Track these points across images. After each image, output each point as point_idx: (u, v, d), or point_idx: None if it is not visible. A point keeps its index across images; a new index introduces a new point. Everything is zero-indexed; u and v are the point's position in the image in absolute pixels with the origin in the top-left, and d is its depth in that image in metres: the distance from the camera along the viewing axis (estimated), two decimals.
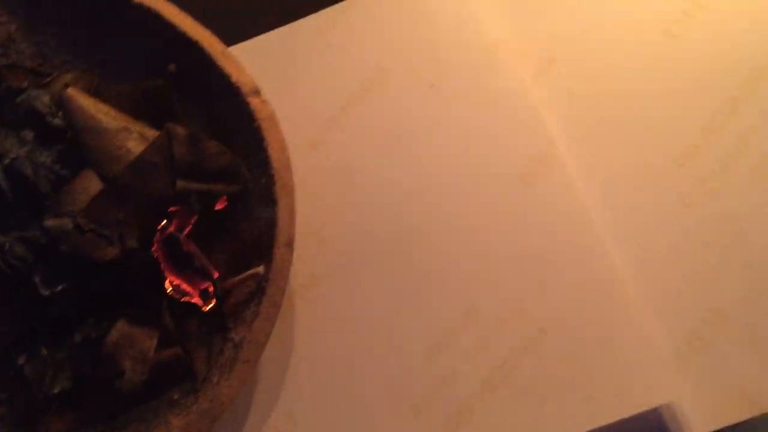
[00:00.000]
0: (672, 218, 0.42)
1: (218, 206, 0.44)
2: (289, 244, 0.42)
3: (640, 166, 0.43)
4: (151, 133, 0.44)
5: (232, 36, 0.51)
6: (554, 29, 0.48)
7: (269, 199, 0.42)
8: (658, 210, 0.42)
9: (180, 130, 0.43)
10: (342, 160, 0.48)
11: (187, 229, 0.44)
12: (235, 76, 0.44)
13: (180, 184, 0.43)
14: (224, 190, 0.44)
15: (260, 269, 0.42)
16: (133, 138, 0.44)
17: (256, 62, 0.50)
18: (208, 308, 0.43)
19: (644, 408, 0.36)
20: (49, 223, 0.41)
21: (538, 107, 0.46)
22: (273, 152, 0.43)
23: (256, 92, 0.44)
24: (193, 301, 0.43)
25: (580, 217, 0.42)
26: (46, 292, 0.40)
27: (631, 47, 0.46)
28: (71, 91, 0.43)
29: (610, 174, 0.44)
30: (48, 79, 0.46)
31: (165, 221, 0.43)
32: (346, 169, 0.47)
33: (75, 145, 0.43)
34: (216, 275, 0.42)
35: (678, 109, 0.44)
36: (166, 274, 0.43)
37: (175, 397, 0.42)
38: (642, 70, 0.46)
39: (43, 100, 0.45)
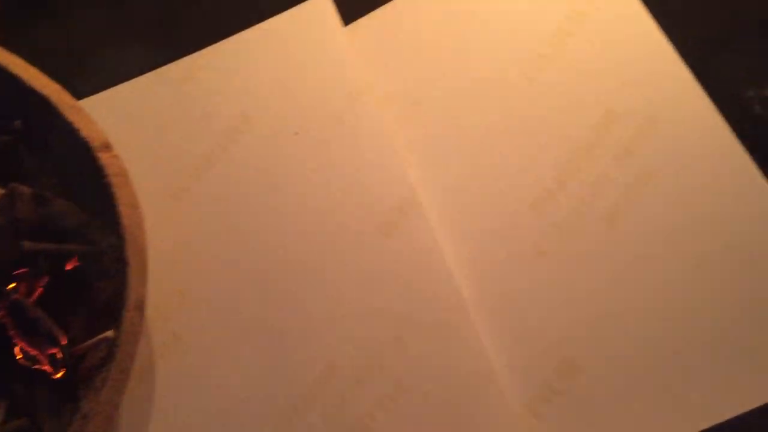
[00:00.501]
0: (527, 266, 0.41)
1: (69, 266, 0.42)
2: (140, 308, 0.40)
3: (497, 212, 0.43)
4: None
5: (88, 87, 0.49)
6: (418, 74, 0.48)
7: (120, 260, 0.41)
8: (514, 257, 0.42)
9: (25, 190, 0.41)
10: (207, 213, 0.46)
11: (37, 292, 0.42)
12: (84, 131, 0.43)
13: (27, 245, 0.41)
14: (74, 250, 0.42)
15: (110, 334, 0.40)
16: None
17: (115, 113, 0.49)
18: (58, 375, 0.41)
19: None
20: None
21: (401, 152, 0.45)
22: (124, 209, 0.42)
23: (107, 147, 0.43)
24: (43, 368, 0.42)
25: (437, 268, 0.41)
26: None
27: (491, 90, 0.46)
28: None
29: (469, 222, 0.43)
30: None
31: (14, 284, 0.42)
32: (211, 222, 0.46)
33: None
34: (64, 341, 0.41)
35: (535, 154, 0.44)
36: (16, 340, 0.42)
37: None
38: (501, 113, 0.46)
39: None
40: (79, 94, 0.47)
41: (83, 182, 0.43)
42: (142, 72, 0.51)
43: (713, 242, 0.40)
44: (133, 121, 0.49)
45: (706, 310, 0.39)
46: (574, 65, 0.46)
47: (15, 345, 0.42)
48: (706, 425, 0.36)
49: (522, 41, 0.47)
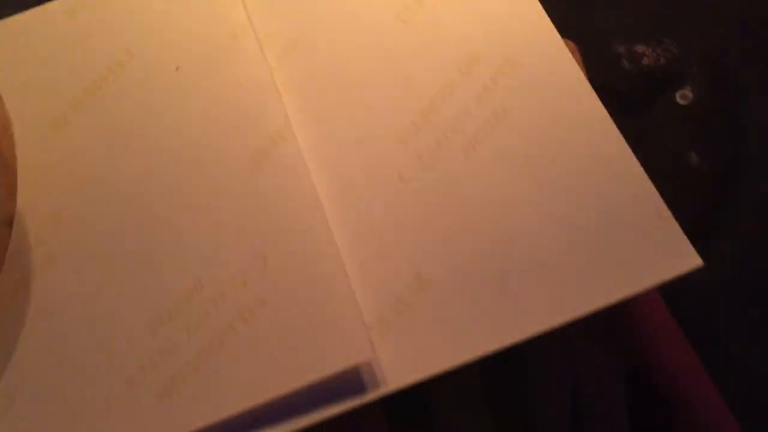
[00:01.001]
0: (390, 191, 0.44)
1: None
2: (8, 223, 0.41)
3: (365, 144, 0.45)
4: None
5: None
6: (298, 15, 0.50)
7: None
8: (378, 185, 0.44)
9: None
10: (85, 140, 0.47)
11: None
12: None
13: None
14: None
15: None
16: None
17: (5, 42, 0.49)
18: None
19: (343, 366, 0.38)
20: None
21: (278, 88, 0.47)
22: None
23: None
24: None
25: (304, 194, 0.43)
26: None
27: (367, 31, 0.49)
28: None
29: (339, 153, 0.45)
30: None
31: None
32: (89, 149, 0.47)
33: None
34: None
35: (404, 92, 0.47)
36: None
37: None
38: (376, 53, 0.48)
39: None
40: None
41: None
42: (27, 7, 0.51)
43: (559, 168, 0.44)
44: (16, 55, 0.50)
45: (550, 228, 0.42)
46: (444, 10, 0.49)
47: None
48: (539, 329, 0.39)
49: None
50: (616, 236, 0.41)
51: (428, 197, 0.44)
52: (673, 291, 0.44)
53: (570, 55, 0.47)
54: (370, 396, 0.39)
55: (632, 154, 0.43)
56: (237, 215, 0.44)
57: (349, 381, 0.39)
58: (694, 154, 0.50)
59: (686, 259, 0.40)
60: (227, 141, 0.46)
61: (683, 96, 0.53)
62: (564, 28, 0.53)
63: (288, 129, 0.46)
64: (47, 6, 0.51)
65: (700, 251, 0.40)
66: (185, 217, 0.44)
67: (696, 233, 0.44)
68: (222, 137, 0.46)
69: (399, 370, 0.39)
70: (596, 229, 0.41)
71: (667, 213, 0.41)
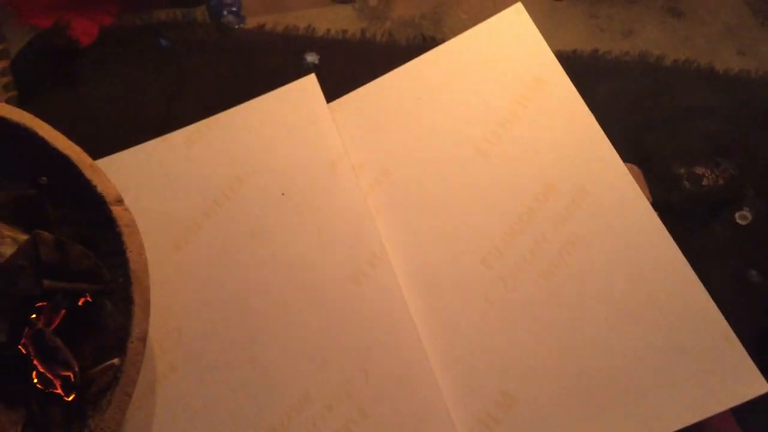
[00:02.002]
0: (476, 313, 0.49)
1: (81, 302, 0.49)
2: (142, 339, 0.47)
3: (453, 266, 0.51)
4: (23, 238, 0.49)
5: (105, 148, 0.57)
6: (388, 145, 0.56)
7: (126, 298, 0.48)
8: (465, 305, 0.49)
9: (47, 236, 0.48)
10: (202, 259, 0.53)
11: (55, 323, 0.49)
12: (100, 187, 0.50)
13: (47, 283, 0.48)
14: (87, 289, 0.49)
15: (116, 361, 0.47)
16: (6, 243, 0.49)
17: (129, 171, 0.56)
18: (70, 397, 0.48)
19: None
20: None
21: (373, 214, 0.53)
22: (132, 255, 0.49)
23: (119, 201, 0.50)
24: (57, 390, 0.48)
25: (399, 312, 0.48)
26: None
27: (451, 162, 0.54)
28: None
29: (429, 274, 0.51)
30: None
31: (34, 315, 0.48)
32: (205, 267, 0.53)
33: None
34: (76, 367, 0.47)
35: (486, 218, 0.52)
36: (34, 365, 0.48)
37: None
38: (460, 182, 0.54)
39: None
40: (95, 155, 0.54)
41: (98, 230, 0.50)
42: (150, 138, 0.58)
43: (631, 293, 0.48)
44: (141, 180, 0.56)
45: (624, 349, 0.46)
46: (519, 142, 0.54)
47: (33, 369, 0.48)
48: None
49: (477, 121, 0.55)
50: (687, 362, 0.45)
51: (512, 318, 0.48)
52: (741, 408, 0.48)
53: (635, 184, 0.52)
54: None
55: (698, 279, 0.47)
56: (339, 331, 0.49)
57: None
58: (754, 272, 0.55)
59: (754, 385, 0.43)
60: (329, 262, 0.51)
61: (742, 217, 0.57)
62: (628, 152, 0.58)
63: (383, 253, 0.51)
64: (167, 137, 0.58)
65: (764, 369, 0.44)
66: (292, 332, 0.49)
67: (759, 350, 0.48)
68: (324, 259, 0.52)
69: None
70: (668, 355, 0.46)
71: (733, 337, 0.45)
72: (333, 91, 0.60)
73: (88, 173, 0.50)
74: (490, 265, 0.50)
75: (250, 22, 0.66)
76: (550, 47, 0.60)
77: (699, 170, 0.59)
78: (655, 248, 0.49)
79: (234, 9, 0.67)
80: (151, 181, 0.57)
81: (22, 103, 0.60)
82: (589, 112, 0.55)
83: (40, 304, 0.48)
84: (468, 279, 0.50)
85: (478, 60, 0.57)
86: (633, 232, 0.50)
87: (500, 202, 0.53)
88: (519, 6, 0.59)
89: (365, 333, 0.48)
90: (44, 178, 0.51)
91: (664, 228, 0.50)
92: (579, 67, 0.63)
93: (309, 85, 0.58)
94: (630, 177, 0.53)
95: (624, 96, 0.63)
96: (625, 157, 0.56)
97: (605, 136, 0.55)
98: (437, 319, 0.49)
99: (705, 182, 0.59)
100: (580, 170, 0.53)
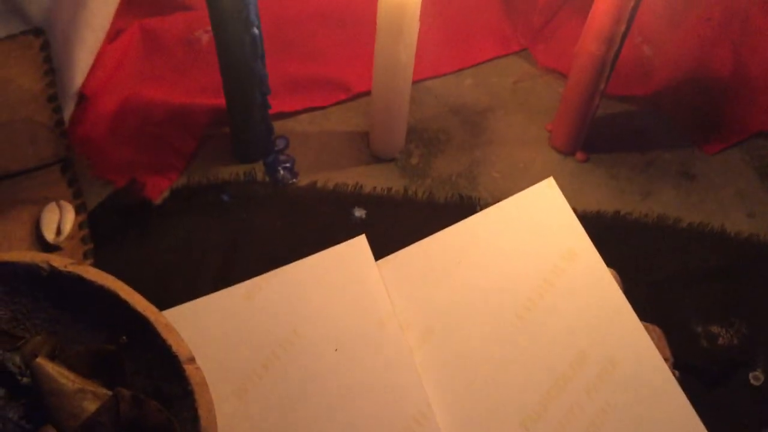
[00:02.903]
0: None
1: None
2: None
3: (494, 426, 0.55)
4: (103, 392, 0.54)
5: (169, 298, 0.63)
6: (433, 306, 0.61)
7: None
8: None
9: (125, 392, 0.53)
10: (262, 410, 0.58)
11: None
12: (174, 347, 0.55)
13: None
14: None
15: None
16: (88, 398, 0.54)
17: (194, 323, 0.61)
18: None
19: None
20: None
21: (420, 372, 0.58)
22: (203, 412, 0.53)
23: (191, 360, 0.55)
24: None
25: None
26: None
27: (491, 324, 0.60)
28: (40, 361, 0.54)
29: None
30: (20, 343, 0.56)
31: None
32: (264, 418, 0.58)
33: (39, 403, 0.53)
34: None
35: (523, 381, 0.57)
36: None
37: None
38: (498, 345, 0.59)
39: (15, 361, 0.55)
40: (161, 305, 0.59)
41: (170, 386, 0.55)
42: (212, 290, 0.64)
43: None
44: (204, 331, 0.62)
45: None
46: (554, 311, 0.60)
47: None
48: None
49: (514, 287, 0.61)
50: None
51: None
52: None
53: (659, 355, 0.57)
54: None
55: None
56: None
57: None
58: None
59: None
60: (378, 419, 0.56)
61: (756, 378, 0.62)
62: (651, 312, 0.63)
63: (429, 411, 0.56)
64: (228, 290, 0.63)
65: None
66: None
67: None
68: (373, 415, 0.56)
69: None
70: None
71: None
72: (378, 244, 0.65)
73: (164, 333, 0.56)
74: (528, 427, 0.55)
75: (303, 179, 0.73)
76: (575, 207, 0.66)
77: (715, 329, 0.65)
78: (677, 419, 0.54)
79: (288, 165, 0.73)
80: (213, 333, 0.62)
81: (97, 254, 0.66)
82: (615, 284, 0.60)
83: None
84: None
85: (514, 229, 0.64)
86: (659, 404, 0.55)
87: (536, 367, 0.58)
88: (551, 181, 0.65)
89: None
90: (124, 338, 0.56)
91: (685, 397, 0.55)
92: (603, 228, 0.69)
93: (359, 245, 0.64)
94: (654, 347, 0.58)
95: (645, 256, 0.69)
96: (647, 316, 0.62)
97: (630, 307, 0.60)
98: None
99: (720, 341, 0.64)
100: (609, 340, 0.58)
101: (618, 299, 0.60)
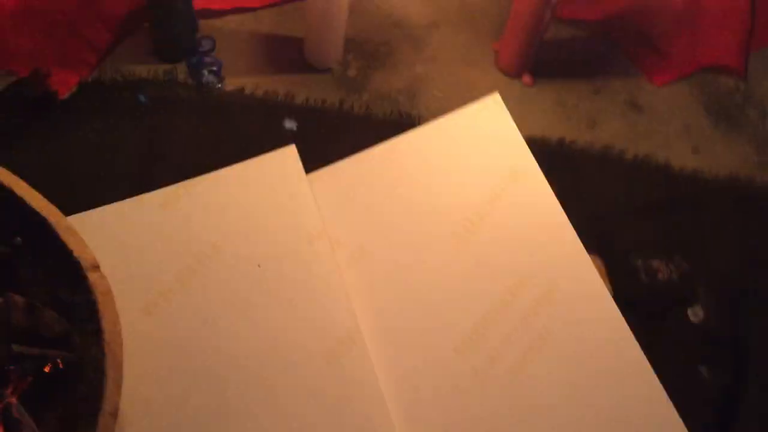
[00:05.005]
0: (447, 400, 0.50)
1: (47, 369, 0.48)
2: (113, 414, 0.46)
3: (425, 351, 0.52)
4: None
5: (76, 204, 0.56)
6: (366, 223, 0.57)
7: (99, 370, 0.47)
8: (438, 392, 0.50)
9: (18, 299, 0.47)
10: (173, 328, 0.53)
11: (20, 389, 0.48)
12: (76, 252, 0.49)
13: (16, 348, 0.47)
14: (58, 356, 0.48)
15: None
16: None
17: (102, 230, 0.55)
18: None
19: None
20: None
21: (349, 293, 0.54)
22: (106, 325, 0.48)
23: (95, 267, 0.49)
24: None
25: (371, 393, 0.49)
26: None
27: (427, 244, 0.56)
28: None
29: (402, 359, 0.52)
30: None
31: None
32: (176, 336, 0.53)
33: None
34: None
35: (460, 305, 0.54)
36: None
37: None
38: (434, 265, 0.55)
39: None
40: (66, 210, 0.53)
41: (71, 296, 0.49)
42: (125, 197, 0.58)
43: (597, 397, 0.50)
44: (113, 240, 0.56)
45: None
46: (494, 232, 0.56)
47: None
48: None
49: (453, 206, 0.57)
50: None
51: (479, 409, 0.50)
52: None
53: (601, 281, 0.55)
54: None
55: (660, 384, 0.50)
56: (312, 410, 0.49)
57: None
58: (704, 368, 0.58)
59: None
60: (303, 339, 0.52)
61: (694, 314, 0.60)
62: (590, 242, 0.61)
63: (357, 333, 0.52)
64: (143, 197, 0.57)
65: None
66: (264, 408, 0.50)
67: None
68: (298, 335, 0.52)
69: None
70: None
71: None
72: (310, 158, 0.61)
73: (65, 236, 0.50)
74: (461, 353, 0.52)
75: (230, 84, 0.67)
76: (520, 131, 0.63)
77: (655, 264, 0.63)
78: (621, 350, 0.52)
79: (214, 69, 0.67)
80: (124, 243, 0.56)
81: None
82: (560, 207, 0.57)
83: (7, 369, 0.47)
84: (439, 365, 0.52)
85: (457, 145, 0.60)
86: (599, 330, 0.53)
87: (474, 292, 0.54)
88: (497, 96, 0.61)
89: (337, 410, 0.49)
90: (19, 239, 0.50)
91: (629, 330, 0.53)
92: (547, 154, 0.66)
93: (289, 155, 0.59)
94: (596, 274, 0.55)
95: (587, 186, 0.66)
96: (587, 248, 0.59)
97: (575, 232, 0.57)
98: (408, 404, 0.50)
99: (660, 276, 0.62)
100: (551, 265, 0.55)
101: (562, 223, 0.57)
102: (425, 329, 0.53)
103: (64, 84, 0.63)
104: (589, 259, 0.56)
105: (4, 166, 0.51)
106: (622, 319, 0.53)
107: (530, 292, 0.54)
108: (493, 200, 0.57)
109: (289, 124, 0.65)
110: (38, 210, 0.50)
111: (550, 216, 0.57)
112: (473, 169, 0.59)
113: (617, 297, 0.58)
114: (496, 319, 0.53)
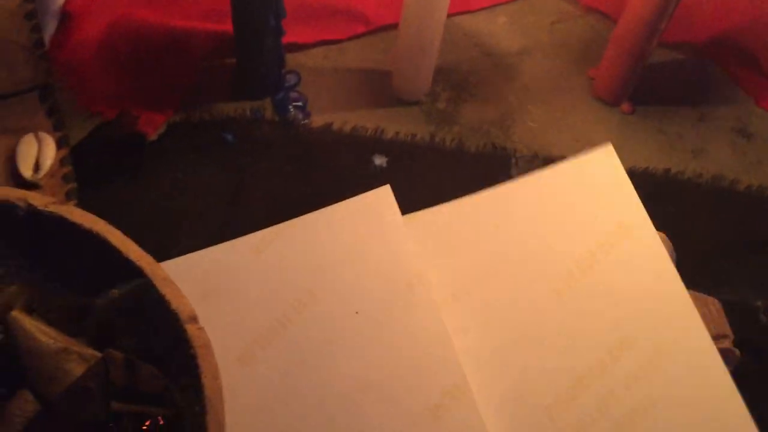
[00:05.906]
0: None
1: (147, 425, 0.46)
2: None
3: (519, 409, 0.49)
4: (90, 353, 0.46)
5: (164, 249, 0.54)
6: (462, 271, 0.54)
7: (200, 426, 0.45)
8: None
9: (117, 355, 0.46)
10: (269, 378, 0.51)
11: None
12: (174, 303, 0.47)
13: (115, 406, 0.45)
14: (157, 413, 0.46)
15: None
16: (72, 360, 0.46)
17: (195, 277, 0.53)
18: None
19: None
20: None
21: (453, 341, 0.51)
22: (206, 380, 0.46)
23: (193, 319, 0.47)
24: None
25: None
26: None
27: (523, 299, 0.53)
28: (15, 314, 0.45)
29: (505, 411, 0.48)
30: None
31: None
32: (273, 387, 0.50)
33: (14, 364, 0.45)
34: None
35: (555, 362, 0.50)
36: None
37: None
38: (530, 320, 0.52)
39: None
40: (159, 255, 0.51)
41: (169, 350, 0.48)
42: (214, 238, 0.56)
43: None
44: (205, 288, 0.54)
45: None
46: (597, 289, 0.52)
47: None
48: None
49: (555, 260, 0.54)
50: None
51: None
52: None
53: (715, 350, 0.50)
54: None
55: None
56: None
57: None
58: None
59: None
60: (405, 390, 0.49)
61: None
62: (703, 280, 0.56)
63: (464, 385, 0.49)
64: (237, 241, 0.55)
65: None
66: None
67: None
68: (400, 386, 0.49)
69: None
70: None
71: None
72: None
73: (162, 287, 0.48)
74: (554, 413, 0.49)
75: (317, 120, 0.65)
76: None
77: None
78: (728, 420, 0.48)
79: (299, 104, 0.65)
80: (217, 290, 0.54)
81: (80, 195, 0.58)
82: (673, 267, 0.53)
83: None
84: (533, 425, 0.48)
85: (564, 197, 0.56)
86: (710, 404, 0.49)
87: (571, 350, 0.51)
88: (610, 149, 0.57)
89: None
90: (115, 291, 0.48)
91: (745, 406, 0.49)
92: (651, 186, 0.62)
93: (384, 195, 0.56)
94: (711, 343, 0.51)
95: (698, 220, 0.62)
96: (698, 289, 0.55)
97: (687, 294, 0.53)
98: None
99: None
100: (659, 329, 0.51)
101: (674, 283, 0.52)
102: (524, 385, 0.50)
103: (152, 124, 0.62)
104: (704, 327, 0.51)
105: (94, 210, 0.49)
106: (738, 395, 0.49)
107: (633, 355, 0.50)
108: (599, 255, 0.54)
109: (379, 161, 0.63)
110: (135, 260, 0.48)
111: (661, 276, 0.53)
112: (580, 221, 0.55)
113: (737, 343, 0.54)
114: (593, 382, 0.49)
